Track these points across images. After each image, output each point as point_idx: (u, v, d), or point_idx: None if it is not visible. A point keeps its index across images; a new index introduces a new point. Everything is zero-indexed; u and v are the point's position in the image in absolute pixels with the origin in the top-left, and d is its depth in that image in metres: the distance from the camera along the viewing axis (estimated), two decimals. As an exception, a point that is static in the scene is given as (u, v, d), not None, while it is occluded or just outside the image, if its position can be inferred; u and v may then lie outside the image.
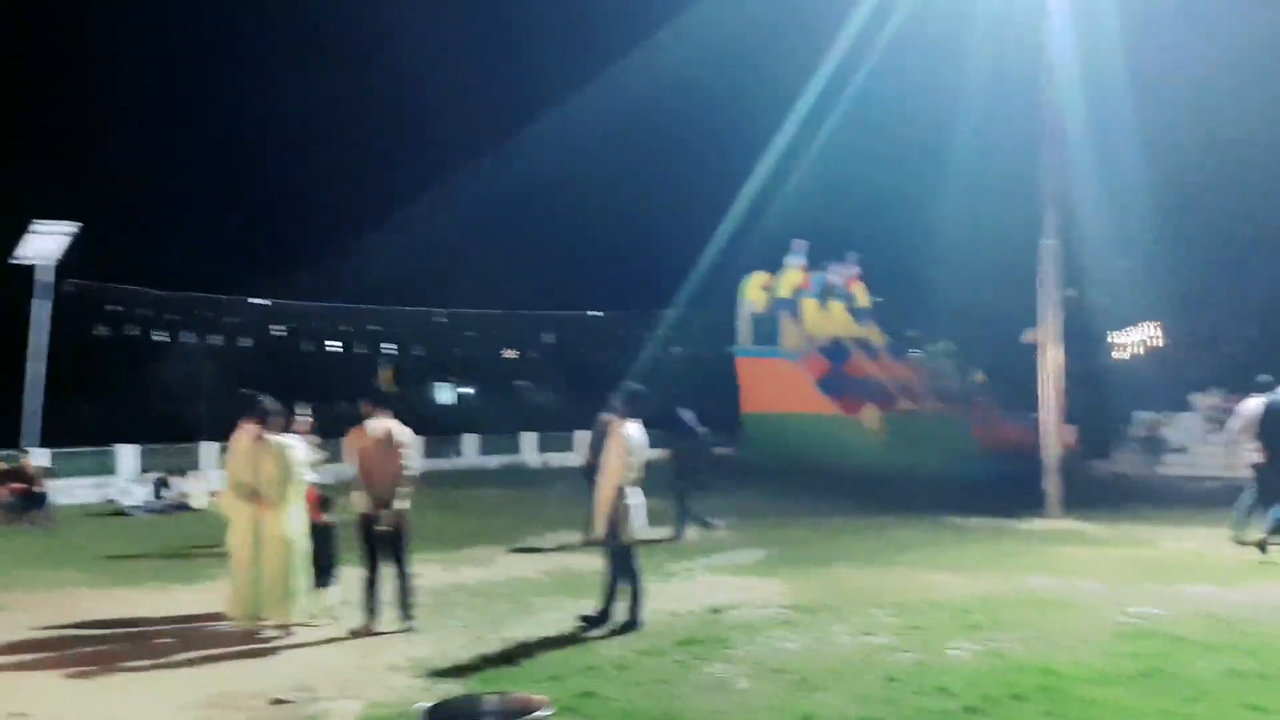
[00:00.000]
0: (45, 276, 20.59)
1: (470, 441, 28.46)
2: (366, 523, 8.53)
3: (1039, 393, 16.86)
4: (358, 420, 8.75)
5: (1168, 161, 26.06)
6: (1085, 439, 27.07)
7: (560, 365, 37.25)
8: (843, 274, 31.78)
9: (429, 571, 10.45)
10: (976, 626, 7.96)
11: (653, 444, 11.12)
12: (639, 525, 8.41)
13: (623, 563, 8.34)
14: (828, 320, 31.12)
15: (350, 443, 8.65)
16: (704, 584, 10.21)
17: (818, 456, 25.52)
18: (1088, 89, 19.26)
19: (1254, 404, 12.47)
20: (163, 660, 7.55)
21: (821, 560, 11.55)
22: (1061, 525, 14.95)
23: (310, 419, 9.58)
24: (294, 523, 8.45)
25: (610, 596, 8.38)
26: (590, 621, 8.31)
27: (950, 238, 31.73)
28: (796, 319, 30.37)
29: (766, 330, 30.50)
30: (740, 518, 16.01)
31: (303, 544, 8.48)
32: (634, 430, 8.52)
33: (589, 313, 36.15)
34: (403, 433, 8.71)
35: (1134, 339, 36.81)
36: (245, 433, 8.75)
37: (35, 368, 20.55)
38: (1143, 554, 12.00)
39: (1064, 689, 6.08)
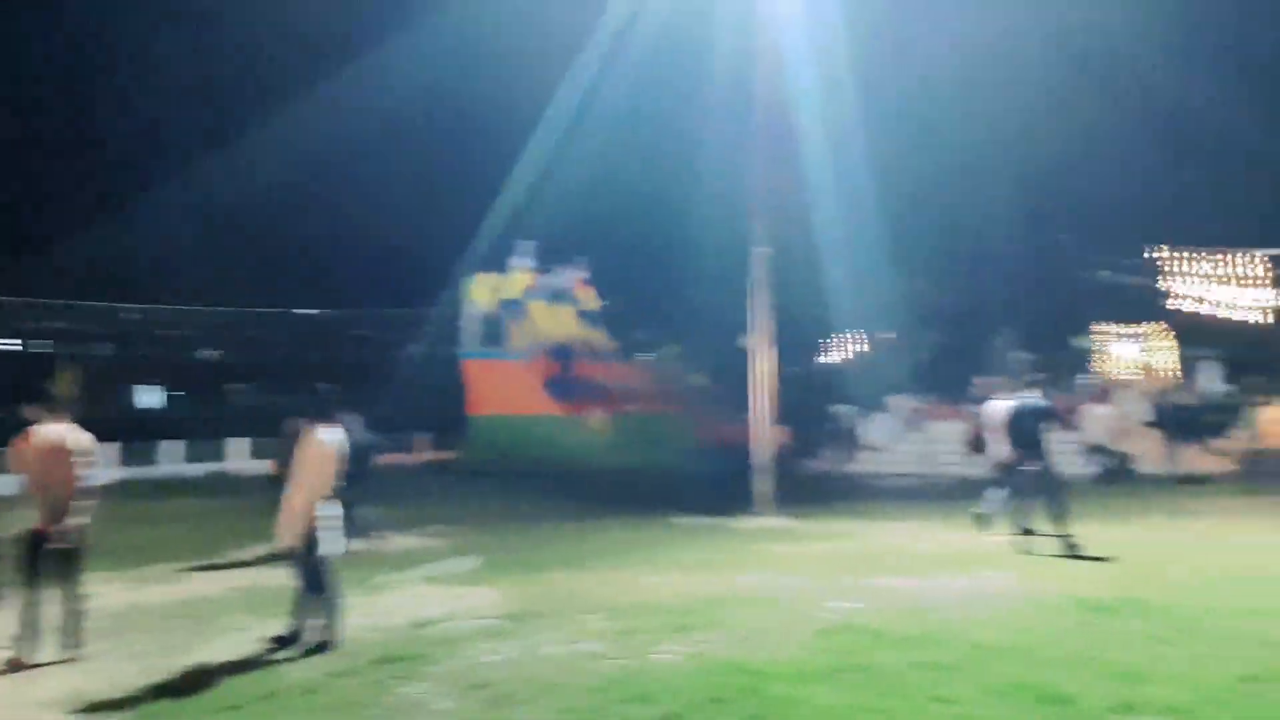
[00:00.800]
0: None
1: (171, 448, 26.47)
2: (35, 540, 7.52)
3: (751, 395, 17.33)
4: (24, 426, 7.73)
5: (877, 175, 27.71)
6: (797, 439, 28.37)
7: (276, 366, 35.30)
8: (570, 276, 31.89)
9: (107, 592, 9.48)
10: (686, 628, 7.91)
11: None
12: (333, 538, 7.85)
13: (314, 578, 7.75)
14: (555, 322, 31.11)
15: (16, 451, 7.62)
16: (413, 596, 9.71)
17: (544, 458, 25.45)
18: (802, 102, 20.06)
19: (1001, 406, 13.06)
20: None
21: (539, 566, 11.30)
22: (772, 523, 15.41)
23: None
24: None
25: (301, 615, 7.77)
26: (281, 642, 7.68)
27: (675, 242, 32.49)
28: (524, 320, 30.17)
29: (493, 331, 30.13)
30: (460, 524, 15.61)
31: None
32: (329, 436, 7.95)
33: (304, 311, 34.40)
34: (80, 440, 7.75)
35: (842, 345, 39.22)
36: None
37: None
38: (845, 548, 12.48)
39: (764, 689, 6.07)
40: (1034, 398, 12.70)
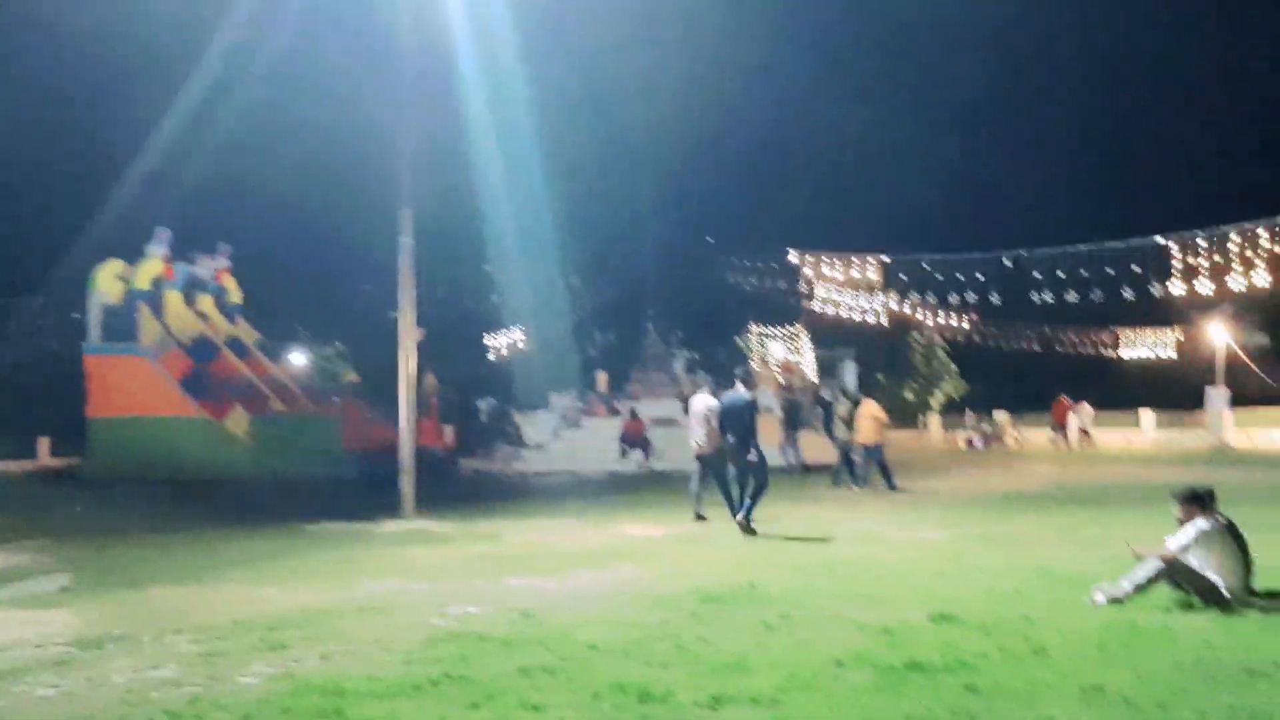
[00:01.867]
0: None
1: None
2: None
3: (400, 392, 16.66)
4: None
5: (534, 176, 27.74)
6: (460, 438, 27.96)
7: None
8: (212, 266, 29.74)
9: None
10: (283, 646, 7.21)
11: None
12: None
13: None
14: (194, 315, 28.89)
15: None
16: (-31, 625, 8.36)
17: (177, 463, 23.49)
18: (455, 86, 19.61)
19: (706, 400, 14.23)
20: None
21: (137, 583, 10.12)
22: (415, 526, 14.85)
23: None
24: None
25: None
26: None
27: (328, 232, 31.10)
28: (157, 313, 27.74)
29: (121, 325, 27.46)
30: (60, 538, 13.92)
31: None
32: None
33: None
34: None
35: (505, 341, 39.11)
36: None
37: None
38: (483, 550, 12.15)
39: (345, 710, 5.53)
40: (743, 392, 13.58)
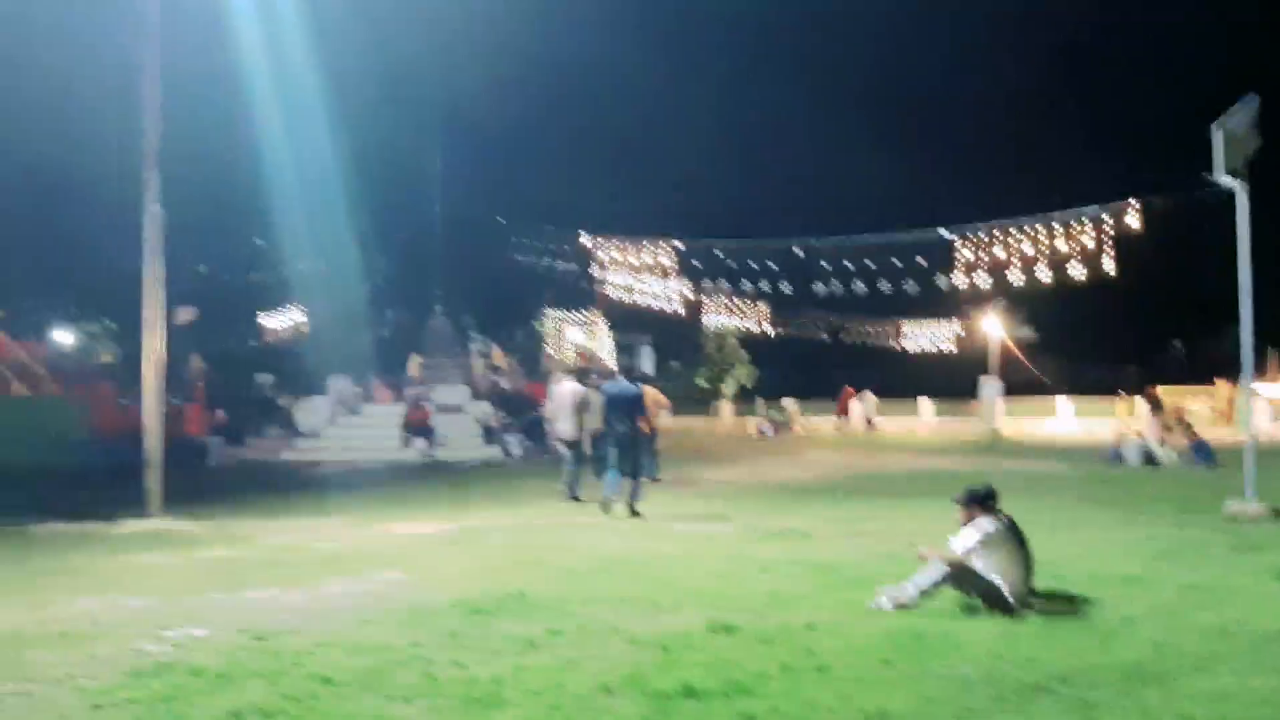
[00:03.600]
0: None
1: None
2: None
3: (144, 375, 15.03)
4: None
5: (306, 138, 26.02)
6: (227, 424, 26.05)
7: None
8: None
9: None
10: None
11: None
12: None
13: None
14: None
15: None
16: None
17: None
18: (214, 45, 17.92)
19: (572, 387, 15.51)
20: None
21: None
22: (159, 526, 13.40)
23: None
24: None
25: None
26: None
27: (90, 200, 28.44)
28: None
29: None
30: None
31: None
32: None
33: None
34: None
35: (282, 322, 36.92)
36: None
37: None
38: (230, 555, 10.94)
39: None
40: (629, 383, 14.29)
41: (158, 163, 14.54)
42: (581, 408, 15.01)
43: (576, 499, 14.93)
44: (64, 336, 32.95)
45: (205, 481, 17.88)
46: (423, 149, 30.66)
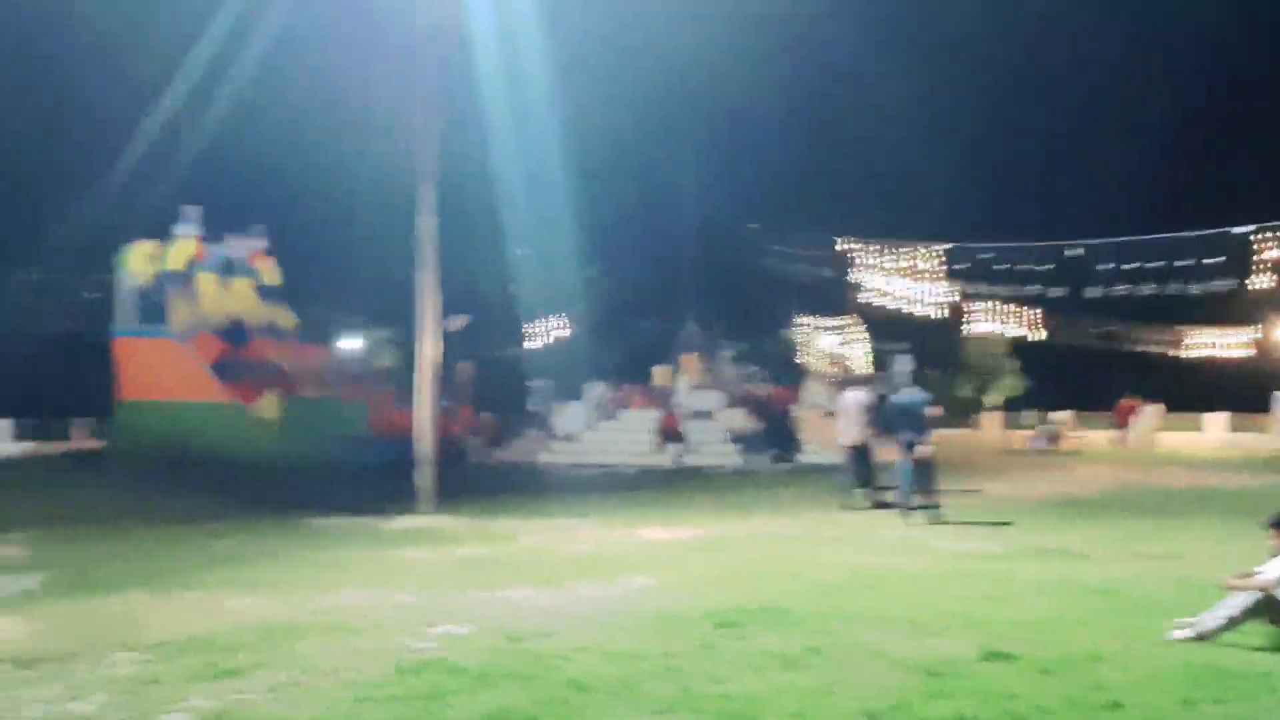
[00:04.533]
0: None
1: None
2: None
3: (418, 379, 15.76)
4: None
5: (568, 151, 26.70)
6: (492, 428, 27.12)
7: None
8: (246, 247, 29.07)
9: None
10: (231, 672, 6.30)
11: None
12: None
13: None
14: (228, 298, 28.27)
15: None
16: (-98, 634, 7.55)
17: (204, 449, 22.86)
18: (481, 62, 18.65)
19: (861, 395, 15.25)
20: None
21: (107, 585, 9.30)
22: (426, 523, 13.97)
23: None
24: None
25: None
26: None
27: (368, 212, 30.40)
28: (189, 295, 27.15)
29: (151, 307, 26.89)
30: (49, 530, 13.21)
31: None
32: None
33: None
34: None
35: (547, 329, 38.19)
36: None
37: None
38: (489, 553, 11.22)
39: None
40: (919, 392, 14.52)
41: (432, 178, 15.20)
42: (869, 416, 15.05)
43: (858, 507, 14.87)
44: (349, 343, 35.39)
45: (469, 482, 18.59)
46: (677, 159, 30.95)
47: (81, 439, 30.01)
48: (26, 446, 28.44)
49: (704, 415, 25.60)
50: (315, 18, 24.43)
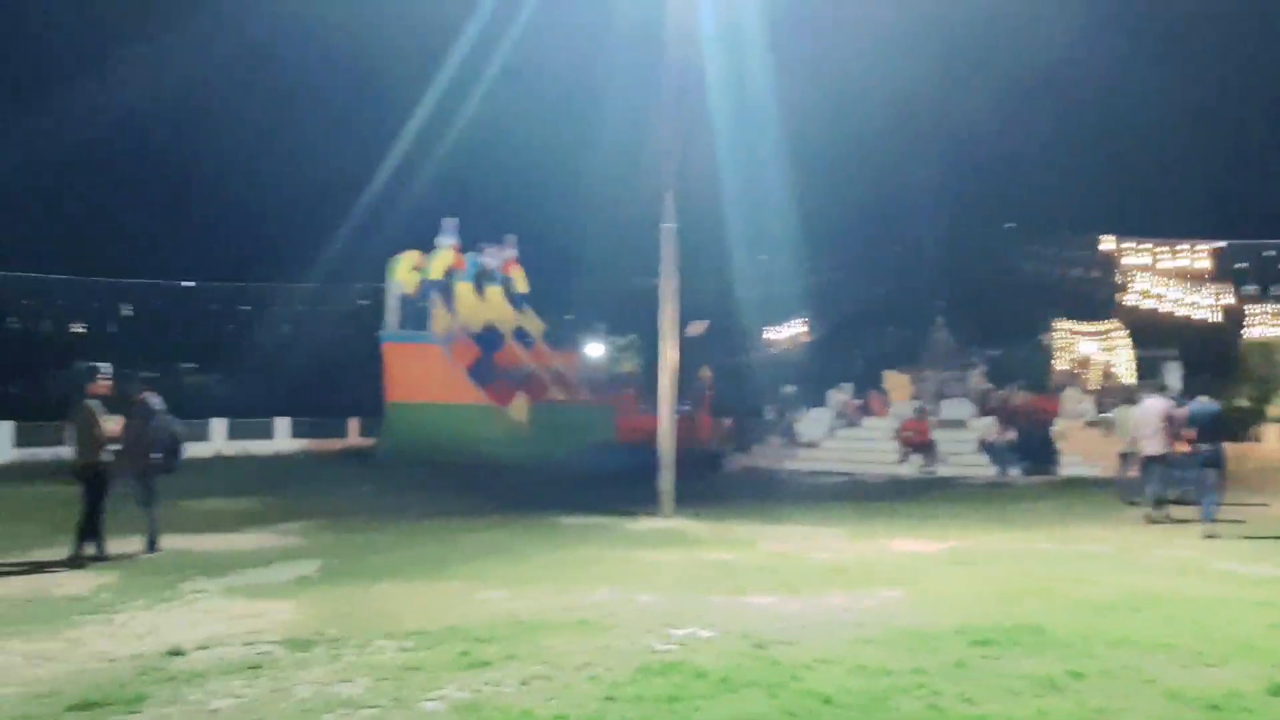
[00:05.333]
0: None
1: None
2: None
3: (660, 384, 15.94)
4: None
5: (803, 155, 26.36)
6: (732, 432, 27.14)
7: (143, 341, 33.23)
8: (499, 256, 30.40)
9: None
10: (484, 663, 6.53)
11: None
12: None
13: None
14: (483, 305, 29.64)
15: None
16: (194, 612, 8.26)
17: (460, 449, 24.05)
18: (718, 68, 18.69)
19: (1158, 404, 14.79)
20: None
21: (373, 574, 9.88)
22: (670, 525, 14.08)
23: None
24: None
25: None
26: None
27: (609, 221, 31.16)
28: (448, 303, 28.64)
29: (415, 313, 28.54)
30: (321, 521, 14.20)
31: None
32: None
33: (181, 284, 32.37)
34: None
35: (785, 334, 37.88)
36: None
37: None
38: (733, 558, 11.17)
39: (511, 764, 4.69)
40: (1210, 402, 14.24)
41: (674, 184, 15.35)
42: (1172, 425, 14.45)
43: (1158, 520, 14.21)
44: (595, 348, 36.37)
45: (712, 486, 18.66)
46: (920, 159, 30.06)
47: (354, 437, 32.11)
48: (304, 443, 30.71)
49: (954, 424, 24.69)
50: (561, 31, 25.25)
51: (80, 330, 29.18)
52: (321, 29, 34.09)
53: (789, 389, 28.52)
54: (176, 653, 6.87)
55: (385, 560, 10.78)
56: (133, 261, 32.33)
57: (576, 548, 11.76)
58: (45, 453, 22.14)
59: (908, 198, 28.37)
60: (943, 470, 22.60)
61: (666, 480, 15.18)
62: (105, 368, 10.94)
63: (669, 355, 15.52)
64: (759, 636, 7.18)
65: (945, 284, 29.37)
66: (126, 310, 29.12)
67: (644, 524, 14.08)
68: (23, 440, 24.50)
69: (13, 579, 9.83)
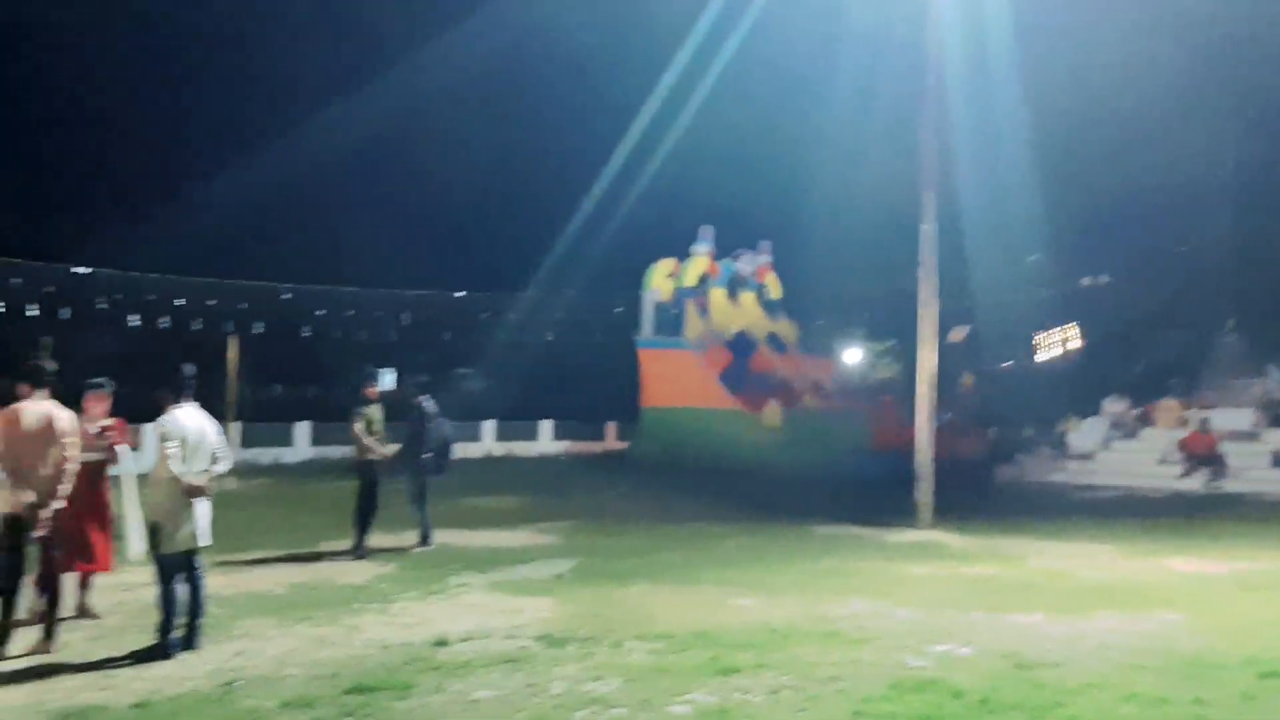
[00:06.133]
0: None
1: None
2: (14, 525, 6.94)
3: (918, 392, 15.47)
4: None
5: (1068, 156, 24.84)
6: (995, 443, 26.00)
7: (419, 349, 35.17)
8: (754, 263, 30.43)
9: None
10: (733, 670, 6.53)
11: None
12: (186, 532, 7.09)
13: (164, 578, 7.04)
14: (736, 312, 29.77)
15: (3, 430, 6.99)
16: (461, 605, 8.70)
17: (713, 454, 24.25)
18: (974, 63, 17.97)
19: None
20: None
21: (626, 576, 10.10)
22: (928, 537, 13.63)
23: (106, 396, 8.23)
24: None
25: (165, 624, 7.01)
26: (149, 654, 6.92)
27: (861, 225, 30.59)
28: (702, 309, 28.95)
29: (670, 319, 29.02)
30: (581, 521, 14.63)
31: None
32: (184, 417, 7.19)
33: (454, 294, 34.04)
34: (63, 419, 7.16)
35: (1054, 339, 35.95)
36: None
37: None
38: (996, 573, 10.68)
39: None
40: None
41: (934, 184, 14.90)
42: None
43: None
44: (850, 355, 35.79)
45: (974, 498, 17.91)
46: (1210, 151, 27.73)
47: (611, 440, 33.00)
48: (565, 445, 31.83)
49: (1246, 437, 22.65)
50: (813, 32, 25.03)
51: (365, 338, 31.65)
52: (570, 37, 35.23)
53: (1055, 397, 27.04)
54: (442, 643, 7.26)
55: (638, 562, 10.98)
56: (410, 274, 34.83)
57: (829, 557, 11.58)
58: (336, 451, 23.95)
59: (1190, 194, 26.18)
60: (1231, 485, 20.77)
61: (925, 491, 14.73)
62: (381, 372, 11.71)
63: (928, 361, 15.05)
64: (1021, 657, 6.83)
65: (1232, 287, 26.95)
66: (405, 319, 31.30)
67: (900, 536, 13.70)
68: (318, 439, 26.62)
69: (303, 566, 10.68)
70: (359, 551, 11.28)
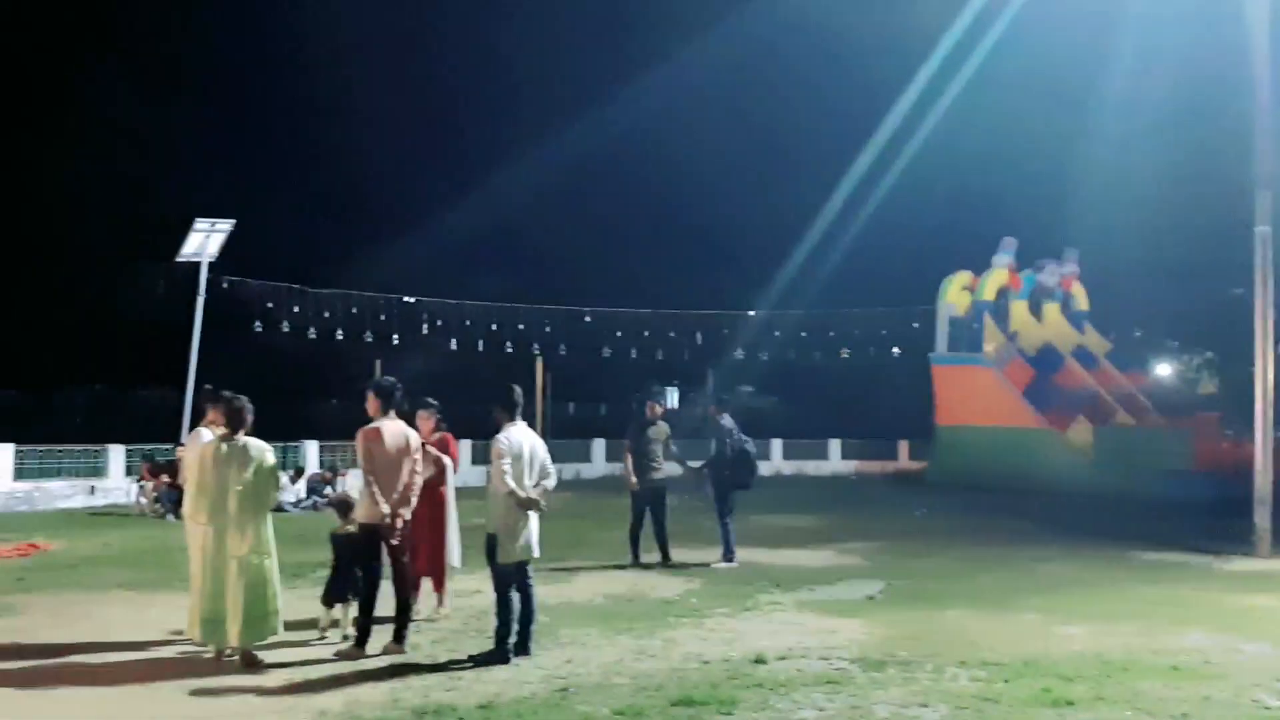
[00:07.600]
0: (204, 274, 21.01)
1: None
2: (372, 535, 7.65)
3: (1256, 407, 14.16)
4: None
5: None
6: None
7: (708, 366, 35.44)
8: (1058, 273, 28.84)
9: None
10: (1068, 702, 6.23)
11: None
12: (522, 544, 7.46)
13: (500, 587, 7.43)
14: (1039, 325, 28.37)
15: (367, 445, 7.71)
16: (774, 623, 8.76)
17: (1015, 474, 23.22)
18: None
19: None
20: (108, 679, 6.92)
21: (940, 600, 9.84)
22: (1268, 566, 12.44)
23: (435, 415, 9.03)
24: (259, 539, 7.45)
25: (502, 630, 7.39)
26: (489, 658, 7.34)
27: (1168, 229, 28.40)
28: (1001, 323, 27.80)
29: (967, 335, 28.03)
30: (884, 542, 14.38)
31: (270, 562, 7.53)
32: (517, 434, 7.54)
33: (749, 313, 34.06)
34: (414, 436, 7.87)
35: None
36: (206, 431, 8.12)
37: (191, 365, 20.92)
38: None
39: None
40: None
41: (1270, 182, 13.67)
42: None
43: None
44: (1168, 368, 33.26)
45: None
46: None
47: (904, 460, 32.21)
48: (854, 464, 31.34)
49: None
50: (1132, 13, 23.56)
51: (660, 358, 32.60)
52: (846, 32, 34.65)
53: None
54: (760, 660, 7.33)
55: (951, 586, 10.67)
56: (692, 295, 35.78)
57: (1159, 585, 10.81)
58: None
59: None
60: None
61: (1263, 515, 13.46)
62: (666, 390, 12.16)
63: (1265, 374, 13.78)
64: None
65: None
66: (698, 338, 31.96)
67: (1236, 564, 12.57)
68: (611, 456, 27.65)
69: (614, 576, 11.11)
70: (633, 563, 11.82)
